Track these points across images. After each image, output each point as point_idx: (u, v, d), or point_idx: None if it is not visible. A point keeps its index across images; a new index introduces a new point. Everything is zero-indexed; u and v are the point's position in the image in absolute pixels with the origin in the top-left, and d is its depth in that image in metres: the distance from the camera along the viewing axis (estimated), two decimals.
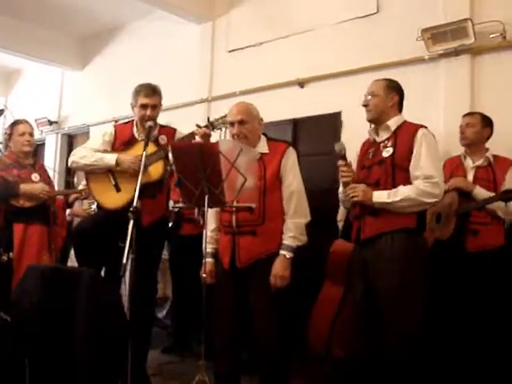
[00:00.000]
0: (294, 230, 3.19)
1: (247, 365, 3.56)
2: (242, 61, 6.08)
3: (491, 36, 4.31)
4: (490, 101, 4.30)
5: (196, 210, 4.53)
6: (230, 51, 6.24)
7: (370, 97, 3.19)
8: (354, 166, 3.26)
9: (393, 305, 2.95)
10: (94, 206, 4.44)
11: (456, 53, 4.46)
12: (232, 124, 3.29)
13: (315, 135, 5.37)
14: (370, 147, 3.21)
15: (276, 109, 5.14)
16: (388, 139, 3.13)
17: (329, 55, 5.32)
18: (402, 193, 2.96)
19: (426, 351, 3.11)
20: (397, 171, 3.04)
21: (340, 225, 4.23)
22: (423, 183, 2.97)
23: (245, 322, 3.27)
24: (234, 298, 3.25)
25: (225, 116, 3.62)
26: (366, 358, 3.12)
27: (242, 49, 6.11)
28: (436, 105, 4.54)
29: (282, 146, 3.32)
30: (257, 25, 6.00)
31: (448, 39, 4.41)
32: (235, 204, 3.00)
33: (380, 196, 2.99)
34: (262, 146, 3.31)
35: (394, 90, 3.22)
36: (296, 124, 5.52)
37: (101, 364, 2.96)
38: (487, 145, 3.93)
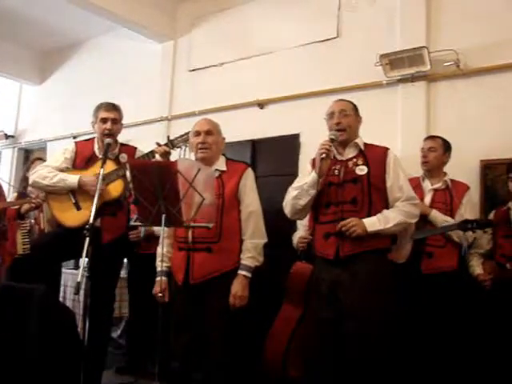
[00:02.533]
0: (252, 250, 3.21)
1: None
2: (203, 80, 6.10)
3: (446, 64, 4.44)
4: (444, 126, 4.42)
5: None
6: (190, 70, 6.26)
7: (342, 116, 3.20)
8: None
9: (366, 324, 2.94)
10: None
11: (412, 79, 4.58)
12: (198, 134, 3.30)
13: (274, 156, 5.40)
14: (334, 165, 3.18)
15: (235, 129, 5.13)
16: (356, 157, 3.17)
17: (289, 77, 5.40)
18: (393, 218, 3.03)
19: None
20: (373, 190, 3.08)
21: (298, 247, 4.21)
22: (407, 205, 3.08)
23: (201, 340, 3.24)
24: (189, 315, 3.22)
25: (185, 134, 3.65)
26: (324, 377, 3.10)
27: (202, 68, 6.14)
28: (393, 128, 4.64)
29: (242, 167, 3.34)
30: (218, 45, 6.04)
31: (405, 65, 4.52)
32: (192, 224, 2.98)
33: (373, 225, 3.00)
34: (221, 164, 3.32)
35: (357, 110, 3.31)
36: (255, 145, 5.55)
37: None
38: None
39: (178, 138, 3.72)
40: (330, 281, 3.09)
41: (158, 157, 3.68)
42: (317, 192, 3.10)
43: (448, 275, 3.72)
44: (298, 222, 4.18)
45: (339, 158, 3.21)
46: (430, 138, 4.08)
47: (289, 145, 5.26)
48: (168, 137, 3.80)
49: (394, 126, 4.65)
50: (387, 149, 3.21)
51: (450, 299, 3.66)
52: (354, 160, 3.17)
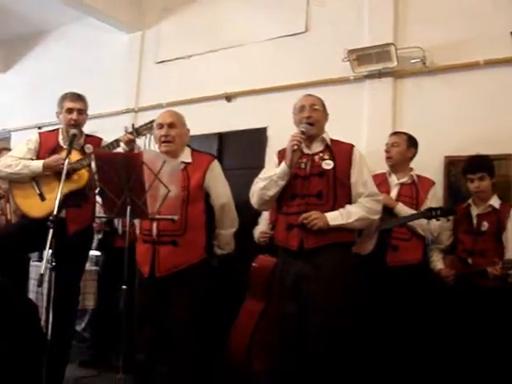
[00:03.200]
0: (223, 240, 3.34)
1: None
2: (170, 72, 6.06)
3: (412, 61, 4.50)
4: (410, 122, 4.47)
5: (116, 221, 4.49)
6: (158, 62, 6.22)
7: (312, 110, 3.23)
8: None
9: (331, 318, 2.96)
10: None
11: (379, 75, 4.62)
12: (161, 126, 3.28)
13: (241, 149, 5.41)
14: (300, 158, 3.18)
15: (202, 122, 5.12)
16: (322, 152, 3.20)
17: (257, 71, 5.40)
18: (355, 213, 3.07)
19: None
20: (338, 185, 3.11)
21: (259, 241, 4.22)
22: (369, 201, 3.12)
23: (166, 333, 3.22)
24: (154, 308, 3.20)
25: (149, 122, 3.62)
26: (288, 371, 3.12)
27: (170, 60, 6.10)
28: (360, 123, 4.68)
29: (207, 159, 3.34)
30: (186, 37, 6.01)
31: (372, 61, 4.56)
32: (157, 216, 2.96)
33: (335, 219, 3.04)
34: (186, 156, 3.31)
35: (325, 107, 3.34)
36: (222, 138, 5.54)
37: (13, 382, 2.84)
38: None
39: (143, 126, 3.69)
40: (293, 273, 3.10)
41: (122, 145, 3.64)
42: (286, 183, 3.12)
43: (413, 268, 3.77)
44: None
45: (306, 151, 3.22)
46: (395, 133, 4.13)
47: (256, 138, 5.26)
48: (133, 125, 3.77)
49: (361, 121, 4.69)
50: (353, 145, 3.25)
51: (414, 292, 3.70)
52: (321, 154, 3.19)
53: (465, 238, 3.76)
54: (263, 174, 3.28)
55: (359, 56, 4.60)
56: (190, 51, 5.92)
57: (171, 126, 3.27)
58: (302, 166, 3.17)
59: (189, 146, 3.40)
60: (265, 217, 4.26)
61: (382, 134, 4.22)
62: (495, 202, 3.73)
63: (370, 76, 4.69)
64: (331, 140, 3.27)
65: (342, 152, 3.19)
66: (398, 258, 3.75)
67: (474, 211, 3.77)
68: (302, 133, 3.12)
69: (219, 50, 5.69)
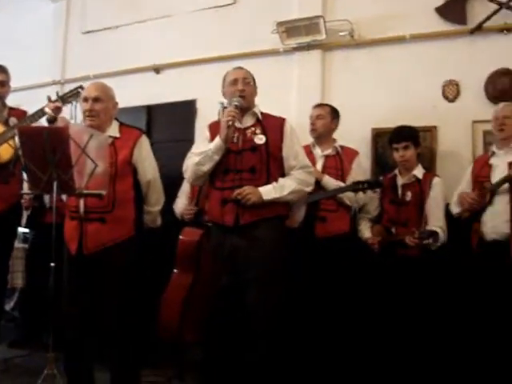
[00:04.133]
0: (149, 217, 3.32)
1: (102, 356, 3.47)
2: (98, 43, 5.90)
3: (341, 34, 4.55)
4: (338, 95, 4.55)
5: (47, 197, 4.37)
6: (84, 32, 6.04)
7: (245, 83, 3.21)
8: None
9: (263, 288, 3.01)
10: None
11: (308, 47, 4.67)
12: (86, 100, 3.19)
13: (170, 122, 5.37)
14: (233, 132, 3.13)
15: (131, 94, 5.01)
16: (254, 126, 3.20)
17: (186, 42, 5.33)
18: (288, 186, 3.10)
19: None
20: (271, 159, 3.12)
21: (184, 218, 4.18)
22: (302, 173, 3.16)
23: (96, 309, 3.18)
24: (82, 286, 3.15)
25: (74, 90, 3.56)
26: (220, 341, 3.16)
27: (97, 31, 5.94)
28: (289, 96, 4.72)
29: (135, 133, 3.27)
30: (114, 7, 5.86)
31: (302, 34, 4.59)
32: (84, 191, 2.89)
33: (269, 193, 3.05)
34: (114, 130, 3.22)
35: (255, 81, 3.34)
36: (150, 110, 5.47)
37: None
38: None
39: (68, 93, 3.61)
40: (229, 247, 3.11)
41: (48, 111, 3.52)
42: (220, 158, 3.11)
43: (340, 238, 3.85)
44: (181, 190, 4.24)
45: (238, 125, 3.18)
46: (318, 105, 4.17)
47: (185, 111, 5.23)
48: (57, 93, 3.67)
49: (290, 93, 4.73)
50: (284, 119, 3.27)
51: (343, 262, 3.80)
52: (253, 129, 3.19)
53: (389, 208, 3.87)
54: (196, 149, 3.26)
55: (288, 28, 4.62)
56: (117, 21, 5.77)
57: (96, 100, 3.17)
58: (234, 140, 3.14)
59: (117, 119, 3.33)
60: (184, 190, 4.26)
61: (311, 105, 4.24)
62: (419, 172, 3.85)
63: (299, 48, 4.72)
64: (262, 113, 3.27)
65: (273, 126, 3.20)
66: (326, 229, 3.82)
67: (400, 181, 3.89)
68: (236, 107, 3.10)
69: (147, 21, 5.58)
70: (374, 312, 3.77)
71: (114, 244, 3.10)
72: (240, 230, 3.08)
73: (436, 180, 3.81)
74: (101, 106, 3.16)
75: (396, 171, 3.95)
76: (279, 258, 3.11)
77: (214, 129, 3.24)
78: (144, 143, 3.26)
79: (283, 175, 3.17)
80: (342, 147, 4.02)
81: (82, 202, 3.09)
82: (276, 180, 3.12)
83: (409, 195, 3.79)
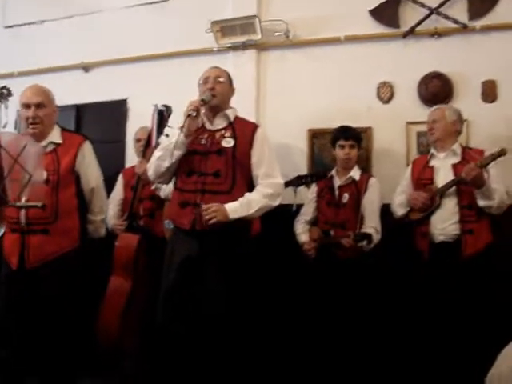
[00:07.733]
0: (92, 226, 3.29)
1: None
2: (22, 39, 5.60)
3: (276, 34, 4.54)
4: (274, 95, 4.54)
5: None
6: (7, 27, 5.74)
7: (216, 82, 3.11)
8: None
9: (216, 302, 2.90)
10: None
11: (243, 47, 4.62)
12: (28, 106, 3.02)
13: (100, 122, 5.16)
14: (202, 134, 3.07)
15: (58, 93, 4.78)
16: (225, 129, 3.08)
17: (116, 40, 5.13)
18: (256, 203, 2.95)
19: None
20: (237, 164, 2.99)
21: (110, 223, 4.02)
22: (269, 185, 3.02)
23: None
24: (21, 301, 3.00)
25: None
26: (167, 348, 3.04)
27: (21, 25, 5.64)
28: None
29: (78, 139, 3.17)
30: (38, 1, 5.59)
31: (237, 33, 4.55)
32: (18, 203, 2.72)
33: (235, 211, 2.89)
34: (56, 136, 3.09)
35: (231, 81, 3.26)
36: (80, 110, 5.27)
37: None
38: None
39: None
40: (184, 253, 2.97)
41: None
42: (182, 154, 2.98)
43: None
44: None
45: (208, 127, 3.10)
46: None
47: (116, 110, 5.06)
48: None
49: None
50: (257, 125, 3.18)
51: (284, 265, 3.86)
52: (222, 132, 3.08)
53: (327, 210, 3.87)
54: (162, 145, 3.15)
55: (223, 28, 4.56)
56: (43, 16, 5.50)
57: (39, 106, 3.03)
58: (203, 141, 3.04)
59: (58, 124, 3.17)
60: (115, 197, 4.14)
61: (246, 105, 4.20)
62: (355, 173, 3.87)
63: (234, 48, 4.66)
64: (236, 118, 3.17)
65: (244, 131, 3.08)
66: None
67: (337, 183, 3.89)
68: (203, 101, 2.98)
69: (75, 16, 5.36)
70: (310, 315, 3.76)
71: (58, 256, 2.99)
72: (196, 235, 2.94)
73: (372, 181, 3.84)
74: (44, 112, 3.04)
75: (333, 172, 3.95)
76: (234, 267, 2.95)
77: None
78: (87, 149, 3.16)
79: (250, 183, 3.05)
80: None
81: (23, 213, 2.95)
82: (241, 187, 2.99)
83: (346, 197, 3.80)
